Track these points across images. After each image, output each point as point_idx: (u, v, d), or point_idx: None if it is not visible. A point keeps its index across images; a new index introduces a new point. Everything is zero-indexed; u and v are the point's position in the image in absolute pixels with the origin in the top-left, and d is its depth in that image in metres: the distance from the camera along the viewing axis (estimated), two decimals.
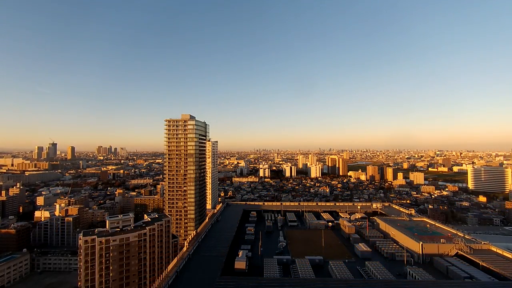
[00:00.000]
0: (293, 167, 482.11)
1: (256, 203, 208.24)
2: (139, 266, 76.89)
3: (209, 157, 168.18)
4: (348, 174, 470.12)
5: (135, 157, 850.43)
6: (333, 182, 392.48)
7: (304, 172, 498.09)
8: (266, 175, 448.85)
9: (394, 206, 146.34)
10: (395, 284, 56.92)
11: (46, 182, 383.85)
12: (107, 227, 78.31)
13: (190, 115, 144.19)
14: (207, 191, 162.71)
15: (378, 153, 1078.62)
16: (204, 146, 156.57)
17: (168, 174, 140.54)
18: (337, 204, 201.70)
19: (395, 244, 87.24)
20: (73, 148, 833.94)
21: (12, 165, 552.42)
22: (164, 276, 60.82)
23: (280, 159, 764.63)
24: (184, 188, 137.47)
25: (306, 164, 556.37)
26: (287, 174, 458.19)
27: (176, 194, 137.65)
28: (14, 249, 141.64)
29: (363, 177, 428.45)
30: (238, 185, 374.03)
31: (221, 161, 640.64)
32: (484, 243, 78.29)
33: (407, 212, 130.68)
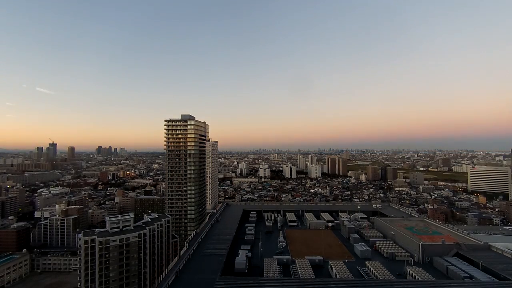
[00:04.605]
0: (293, 167, 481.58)
1: (256, 203, 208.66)
2: (139, 266, 76.78)
3: (209, 157, 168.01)
4: (348, 174, 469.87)
5: (135, 157, 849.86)
6: (333, 182, 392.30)
7: (304, 172, 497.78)
8: (266, 175, 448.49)
9: (394, 206, 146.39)
10: (395, 284, 56.90)
11: (46, 182, 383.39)
12: (107, 227, 78.23)
13: (190, 115, 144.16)
14: (207, 191, 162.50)
15: (377, 153, 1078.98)
16: (204, 146, 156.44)
17: (168, 174, 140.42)
18: (337, 204, 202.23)
19: (395, 244, 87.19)
20: (73, 148, 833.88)
21: (12, 165, 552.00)
22: (164, 276, 60.82)
23: (280, 159, 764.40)
24: (184, 188, 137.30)
25: (306, 164, 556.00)
26: (287, 174, 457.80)
27: (176, 194, 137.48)
28: (14, 250, 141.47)
29: (363, 177, 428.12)
30: (238, 185, 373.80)
31: (221, 161, 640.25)
32: (484, 243, 78.24)
33: (407, 212, 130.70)
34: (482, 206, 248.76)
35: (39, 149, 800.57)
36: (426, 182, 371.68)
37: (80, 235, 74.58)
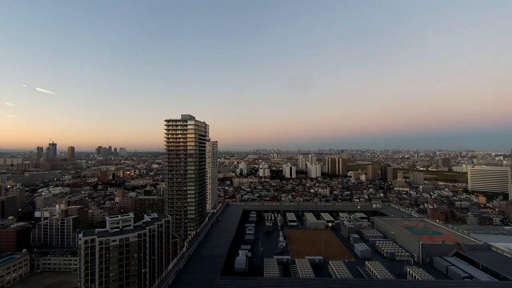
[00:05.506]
0: (293, 167, 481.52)
1: (256, 203, 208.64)
2: (139, 266, 76.79)
3: (209, 157, 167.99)
4: (348, 174, 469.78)
5: (135, 157, 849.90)
6: (333, 182, 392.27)
7: (304, 172, 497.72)
8: (266, 175, 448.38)
9: (394, 206, 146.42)
10: (395, 283, 56.89)
11: (46, 182, 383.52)
12: (107, 227, 78.22)
13: (190, 115, 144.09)
14: (207, 191, 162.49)
15: (377, 153, 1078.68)
16: (204, 146, 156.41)
17: (168, 174, 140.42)
18: (337, 204, 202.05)
19: (395, 244, 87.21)
20: (73, 148, 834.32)
21: (12, 165, 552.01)
22: (164, 276, 60.85)
23: (280, 159, 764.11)
24: (184, 188, 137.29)
25: (306, 164, 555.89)
26: (287, 174, 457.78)
27: (176, 194, 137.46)
28: (14, 250, 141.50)
29: (363, 177, 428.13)
30: (238, 185, 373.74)
31: (221, 161, 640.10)
32: (484, 243, 78.26)
33: (407, 212, 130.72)
34: (482, 206, 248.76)
35: (39, 149, 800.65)
36: (426, 182, 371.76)
37: (80, 235, 74.56)
